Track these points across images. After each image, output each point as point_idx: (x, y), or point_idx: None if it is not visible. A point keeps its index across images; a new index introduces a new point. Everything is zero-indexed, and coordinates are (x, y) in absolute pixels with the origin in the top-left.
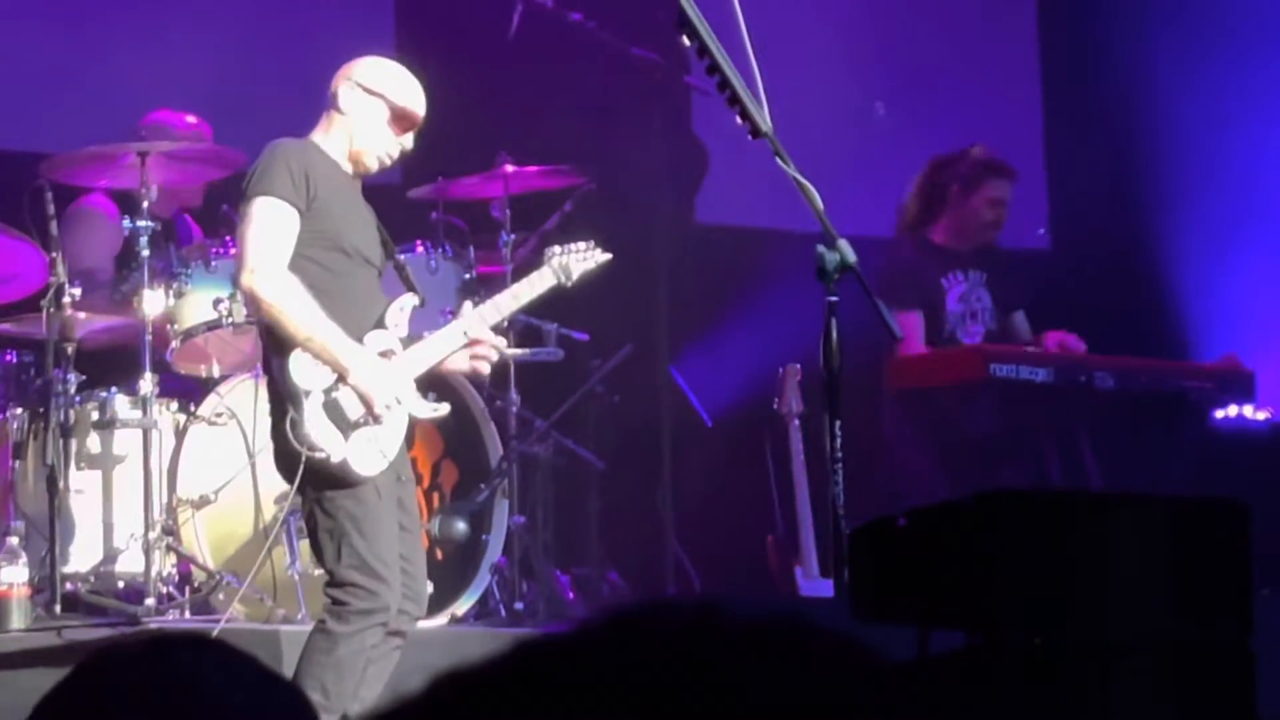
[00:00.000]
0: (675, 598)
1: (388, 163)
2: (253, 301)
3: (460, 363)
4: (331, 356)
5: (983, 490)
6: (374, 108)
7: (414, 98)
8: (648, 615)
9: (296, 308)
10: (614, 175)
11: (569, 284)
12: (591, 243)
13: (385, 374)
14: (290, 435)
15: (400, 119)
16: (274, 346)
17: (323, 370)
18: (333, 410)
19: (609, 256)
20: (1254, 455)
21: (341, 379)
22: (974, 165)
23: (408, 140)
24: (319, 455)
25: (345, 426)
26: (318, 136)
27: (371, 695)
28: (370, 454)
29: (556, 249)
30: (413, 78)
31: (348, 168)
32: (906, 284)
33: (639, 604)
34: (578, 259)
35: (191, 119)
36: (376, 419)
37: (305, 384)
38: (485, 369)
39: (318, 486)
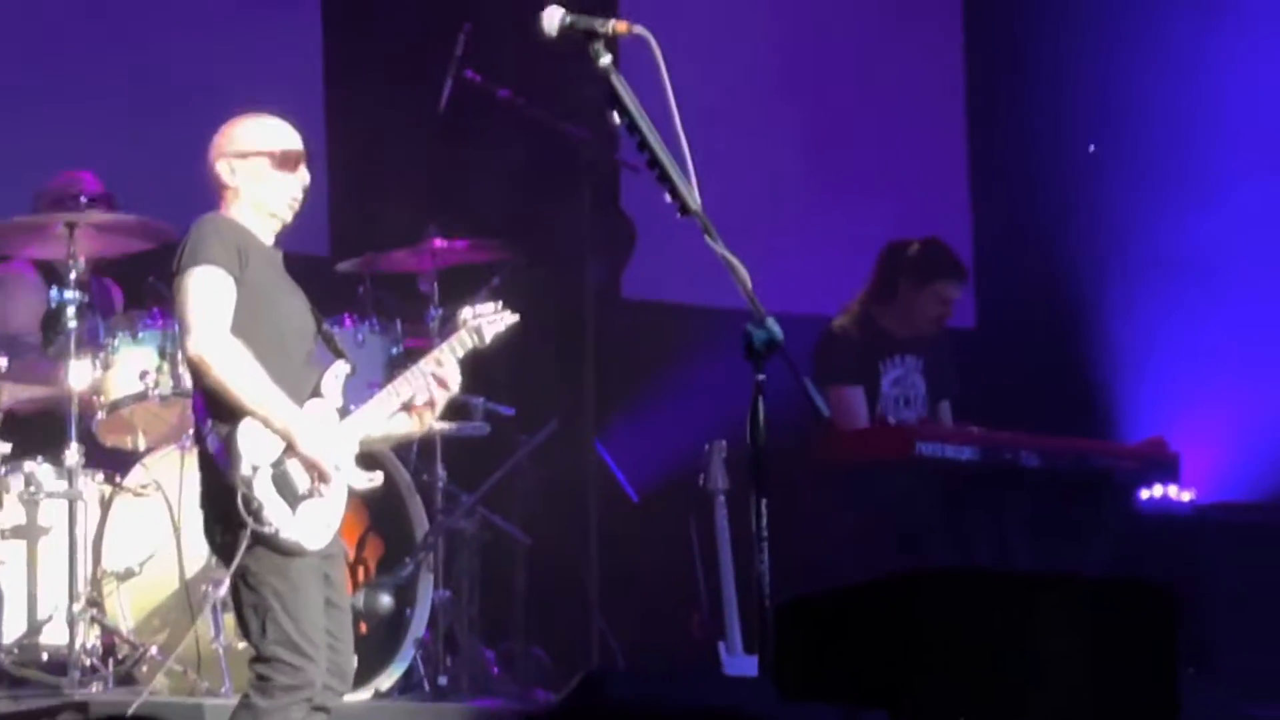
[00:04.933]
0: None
1: (296, 206)
2: (200, 369)
3: (401, 427)
4: (280, 423)
5: (908, 570)
6: (256, 166)
7: (283, 136)
8: None
9: (245, 373)
10: (542, 250)
11: (483, 346)
12: (500, 303)
13: (330, 439)
14: (241, 509)
15: (284, 160)
16: (218, 416)
17: (270, 442)
18: (281, 483)
19: (517, 318)
20: (1178, 536)
21: (290, 448)
22: (929, 261)
23: (304, 174)
24: (267, 529)
25: (293, 499)
26: (227, 214)
27: None
28: (316, 526)
29: (468, 312)
30: (270, 118)
31: (266, 238)
32: (851, 359)
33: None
34: (489, 321)
35: (91, 179)
36: (326, 481)
37: (254, 457)
38: (452, 384)
39: (248, 561)
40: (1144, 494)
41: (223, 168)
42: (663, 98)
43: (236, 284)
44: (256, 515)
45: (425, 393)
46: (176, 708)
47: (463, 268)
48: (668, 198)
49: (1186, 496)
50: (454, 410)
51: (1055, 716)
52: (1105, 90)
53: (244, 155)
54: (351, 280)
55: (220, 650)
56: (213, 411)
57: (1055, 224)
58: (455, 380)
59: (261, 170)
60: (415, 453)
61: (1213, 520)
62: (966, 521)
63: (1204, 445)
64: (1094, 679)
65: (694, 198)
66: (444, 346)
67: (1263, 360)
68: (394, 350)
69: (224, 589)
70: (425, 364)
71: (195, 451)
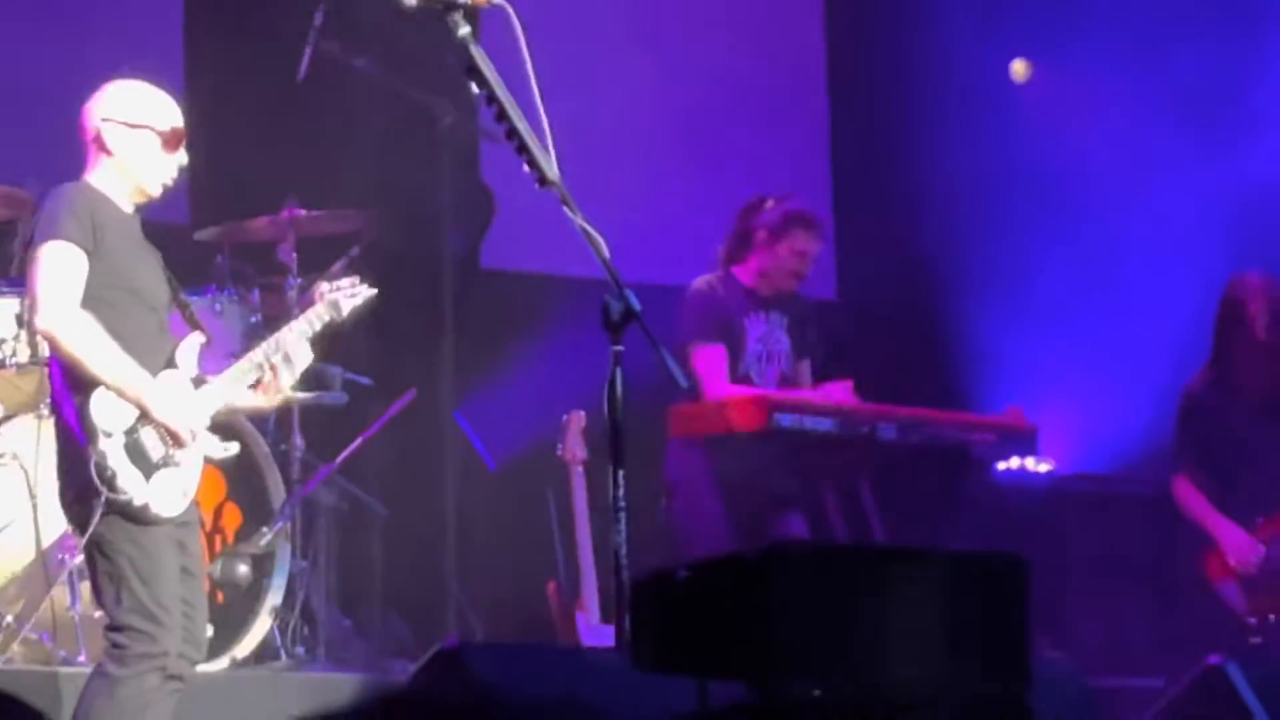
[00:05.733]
0: None
1: (169, 184)
2: (51, 343)
3: (254, 400)
4: (133, 392)
5: (764, 543)
6: (143, 139)
7: (175, 114)
8: None
9: (95, 345)
10: (401, 220)
11: (340, 320)
12: (357, 278)
13: (185, 405)
14: (94, 476)
15: (170, 140)
16: (72, 386)
17: (124, 410)
18: (134, 451)
19: (375, 292)
20: (1035, 507)
21: (144, 417)
22: (784, 215)
23: (182, 155)
24: (122, 497)
25: (147, 468)
26: (92, 179)
27: None
28: (172, 495)
29: (325, 285)
30: (162, 93)
31: (127, 206)
32: (712, 318)
33: None
34: (347, 295)
35: None
36: (182, 446)
37: (106, 425)
38: (300, 365)
39: (102, 529)
40: (1001, 466)
41: (107, 131)
42: (521, 69)
43: (90, 256)
44: (110, 483)
45: (274, 370)
46: (32, 675)
47: (322, 237)
48: (526, 168)
49: (1043, 468)
50: (312, 380)
51: (909, 689)
52: (963, 73)
53: (134, 125)
54: (210, 249)
55: (76, 618)
56: (68, 381)
57: (915, 200)
58: (305, 360)
59: (148, 145)
60: (273, 422)
61: (1070, 492)
62: (823, 493)
63: (1061, 417)
64: (947, 651)
65: (552, 168)
66: (301, 319)
67: (1119, 332)
68: (251, 320)
69: (80, 557)
70: (280, 336)
71: (52, 420)
